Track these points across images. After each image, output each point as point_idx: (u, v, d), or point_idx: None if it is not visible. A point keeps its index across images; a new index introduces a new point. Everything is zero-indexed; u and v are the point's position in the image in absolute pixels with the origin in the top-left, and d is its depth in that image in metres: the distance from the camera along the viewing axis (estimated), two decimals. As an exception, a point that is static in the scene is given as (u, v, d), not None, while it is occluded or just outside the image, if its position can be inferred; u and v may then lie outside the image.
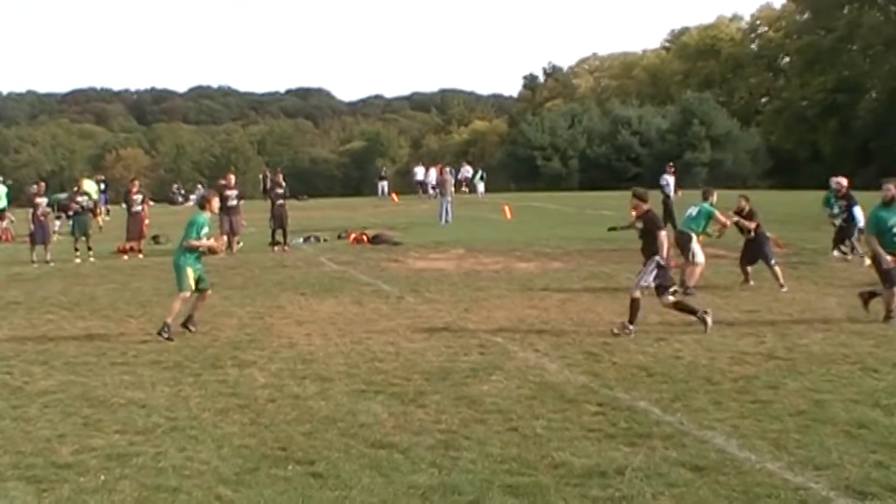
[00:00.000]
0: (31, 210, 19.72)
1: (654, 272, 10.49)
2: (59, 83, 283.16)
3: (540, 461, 6.09)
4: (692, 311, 10.63)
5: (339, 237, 23.80)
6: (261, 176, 51.46)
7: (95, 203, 25.38)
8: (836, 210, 17.90)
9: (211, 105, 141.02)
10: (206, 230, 11.05)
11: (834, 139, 59.67)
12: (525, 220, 29.30)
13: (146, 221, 21.77)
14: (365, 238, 22.48)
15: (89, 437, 6.82)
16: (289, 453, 6.34)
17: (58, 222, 25.20)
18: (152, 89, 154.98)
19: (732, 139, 62.00)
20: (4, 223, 26.88)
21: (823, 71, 62.48)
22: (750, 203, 14.72)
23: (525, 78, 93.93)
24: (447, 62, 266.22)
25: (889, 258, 11.00)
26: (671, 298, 10.62)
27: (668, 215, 22.34)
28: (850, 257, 17.18)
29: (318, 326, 11.31)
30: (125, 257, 20.34)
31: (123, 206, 22.91)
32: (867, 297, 11.53)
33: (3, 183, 29.67)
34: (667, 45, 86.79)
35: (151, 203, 30.81)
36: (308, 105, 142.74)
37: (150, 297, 14.07)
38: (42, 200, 20.05)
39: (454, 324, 11.37)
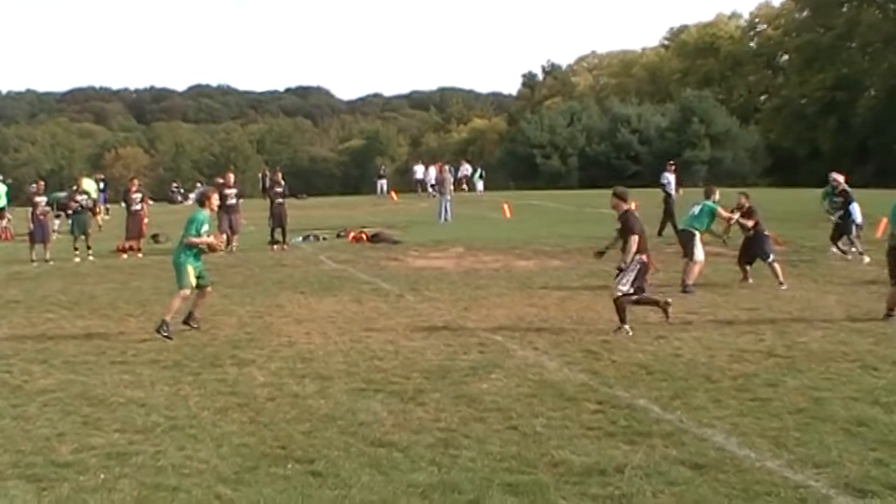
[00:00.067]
0: (30, 209, 19.72)
1: (636, 272, 10.51)
2: (58, 82, 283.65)
3: (539, 459, 6.09)
4: (622, 316, 10.48)
5: (339, 236, 23.79)
6: (260, 175, 51.46)
7: (95, 202, 25.39)
8: (832, 205, 17.97)
9: (210, 104, 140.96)
10: (206, 228, 11.05)
11: (833, 137, 59.64)
12: (524, 218, 29.28)
13: (145, 220, 21.78)
14: (364, 237, 22.47)
15: (89, 436, 6.82)
16: (288, 452, 6.34)
17: (57, 221, 25.18)
18: (151, 88, 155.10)
19: (732, 137, 61.97)
20: (4, 222, 26.87)
21: (822, 69, 62.44)
22: (749, 200, 14.74)
23: (524, 76, 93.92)
24: (446, 60, 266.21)
25: None
26: (623, 291, 10.49)
27: (669, 214, 22.33)
28: (849, 256, 17.19)
29: (318, 325, 11.31)
30: (124, 256, 20.33)
31: (123, 205, 22.90)
32: None
33: (3, 182, 29.67)
34: (666, 43, 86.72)
35: (151, 202, 30.78)
36: (307, 104, 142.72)
37: (149, 296, 14.07)
38: (41, 199, 20.05)
39: (453, 322, 11.37)
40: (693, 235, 14.03)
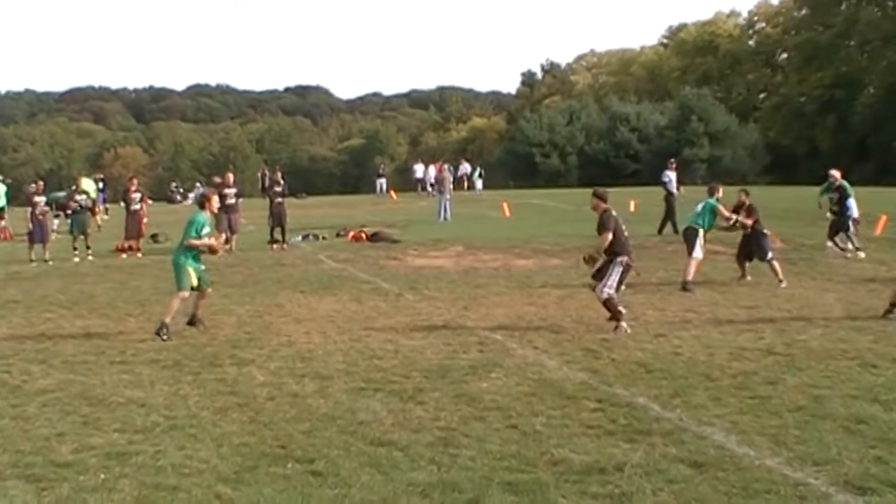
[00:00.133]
0: (29, 209, 19.71)
1: (619, 273, 10.55)
2: (57, 82, 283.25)
3: (539, 458, 6.09)
4: (616, 315, 10.50)
5: (338, 235, 23.78)
6: (259, 174, 51.46)
7: (94, 202, 25.36)
8: (830, 201, 18.11)
9: (209, 103, 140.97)
10: (206, 230, 11.04)
11: (832, 135, 59.66)
12: (524, 217, 29.28)
13: (145, 220, 21.78)
14: (364, 236, 22.46)
15: (88, 436, 6.81)
16: (288, 451, 6.34)
17: (56, 221, 25.16)
18: (150, 88, 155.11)
19: (731, 135, 61.96)
20: (3, 222, 26.86)
21: (821, 67, 62.46)
22: (750, 198, 14.73)
23: (523, 75, 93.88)
24: (445, 59, 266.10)
25: None
26: (609, 293, 10.54)
27: (670, 213, 22.31)
28: (847, 254, 17.20)
29: (317, 324, 11.31)
30: (124, 256, 20.33)
31: (122, 204, 22.91)
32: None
33: (3, 182, 29.67)
34: (665, 41, 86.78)
35: (150, 202, 30.78)
36: (306, 103, 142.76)
37: (148, 295, 14.06)
38: (40, 199, 20.04)
39: (453, 321, 11.37)
40: (696, 232, 14.07)
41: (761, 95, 75.25)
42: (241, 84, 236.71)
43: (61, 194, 27.09)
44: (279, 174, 23.68)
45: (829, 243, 17.90)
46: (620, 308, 10.55)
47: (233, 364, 9.15)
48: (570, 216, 29.11)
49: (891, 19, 60.68)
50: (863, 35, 62.11)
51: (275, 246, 20.95)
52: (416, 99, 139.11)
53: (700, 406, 7.26)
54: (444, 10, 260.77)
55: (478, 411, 7.24)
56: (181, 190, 53.54)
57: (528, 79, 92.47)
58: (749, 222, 14.35)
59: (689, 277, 13.70)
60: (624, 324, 10.43)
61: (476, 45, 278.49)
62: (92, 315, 12.49)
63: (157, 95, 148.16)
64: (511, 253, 18.95)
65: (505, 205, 31.44)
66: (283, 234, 21.22)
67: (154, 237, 23.26)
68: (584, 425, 6.80)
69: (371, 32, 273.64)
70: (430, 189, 43.40)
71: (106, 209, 33.67)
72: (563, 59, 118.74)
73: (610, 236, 10.51)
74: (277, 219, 21.16)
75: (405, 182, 55.77)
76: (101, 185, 34.66)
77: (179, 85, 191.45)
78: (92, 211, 23.08)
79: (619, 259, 10.55)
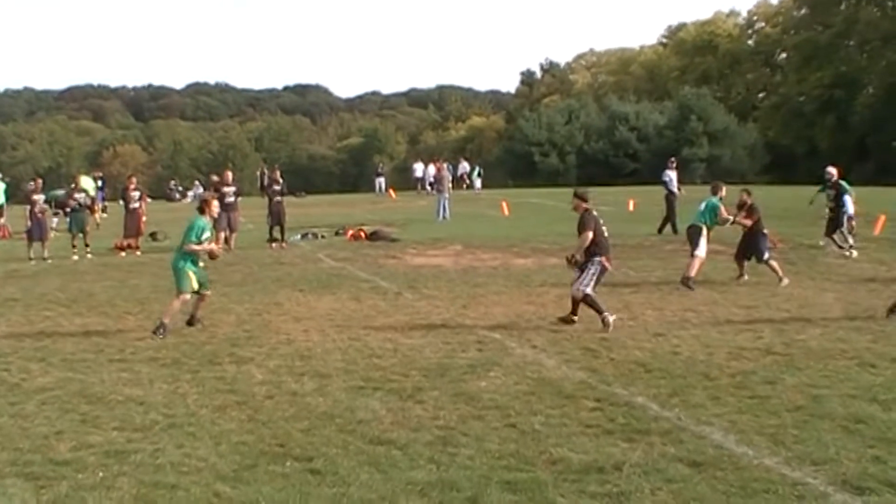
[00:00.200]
0: (28, 207, 19.71)
1: (595, 273, 10.62)
2: (56, 80, 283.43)
3: (538, 457, 6.09)
4: (598, 311, 10.57)
5: (337, 234, 23.79)
6: (258, 173, 51.53)
7: (93, 200, 25.40)
8: (827, 197, 18.26)
9: (208, 102, 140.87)
10: (206, 234, 11.05)
11: (831, 135, 59.69)
12: (522, 216, 29.29)
13: (143, 218, 21.76)
14: (363, 235, 22.47)
15: (87, 434, 6.81)
16: (287, 450, 6.34)
17: (55, 219, 25.17)
18: (150, 86, 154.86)
19: (730, 135, 62.00)
20: (2, 220, 26.85)
21: (821, 66, 62.49)
22: (752, 197, 14.73)
23: (522, 74, 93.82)
24: (444, 58, 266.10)
25: None
26: (585, 291, 10.60)
27: (671, 212, 22.30)
28: (847, 253, 17.21)
29: (316, 323, 11.31)
30: (122, 254, 20.33)
31: (121, 202, 22.91)
32: None
33: (2, 180, 29.64)
34: (664, 40, 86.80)
35: (149, 200, 30.73)
36: (306, 102, 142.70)
37: (147, 293, 14.06)
38: (39, 197, 20.03)
39: (452, 320, 11.37)
40: (700, 230, 14.12)
41: (760, 95, 75.30)
42: (240, 83, 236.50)
43: (60, 192, 27.15)
44: (278, 173, 23.68)
45: (825, 240, 18.01)
46: (600, 302, 10.62)
47: (232, 362, 9.15)
48: (569, 215, 28.95)
49: (890, 19, 60.70)
50: (862, 35, 62.13)
51: (274, 244, 20.95)
52: (415, 98, 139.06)
53: (699, 405, 7.26)
54: (443, 9, 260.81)
55: (476, 410, 7.24)
56: (180, 188, 53.60)
57: (527, 78, 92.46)
58: (748, 223, 14.36)
59: (692, 274, 13.73)
60: (607, 314, 10.48)
61: (475, 44, 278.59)
62: (91, 313, 12.49)
63: (157, 94, 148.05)
64: (510, 252, 18.96)
65: (504, 204, 31.46)
66: (282, 232, 21.22)
67: (153, 235, 23.25)
68: (583, 424, 6.80)
69: (370, 31, 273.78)
70: (429, 188, 43.41)
71: (105, 207, 33.65)
72: (563, 58, 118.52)
73: (590, 235, 10.64)
74: (276, 217, 21.16)
75: (404, 181, 55.78)
76: (100, 183, 34.65)
77: (178, 83, 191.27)
78: (91, 209, 23.12)
79: (596, 259, 10.69)
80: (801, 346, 9.41)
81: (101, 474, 5.90)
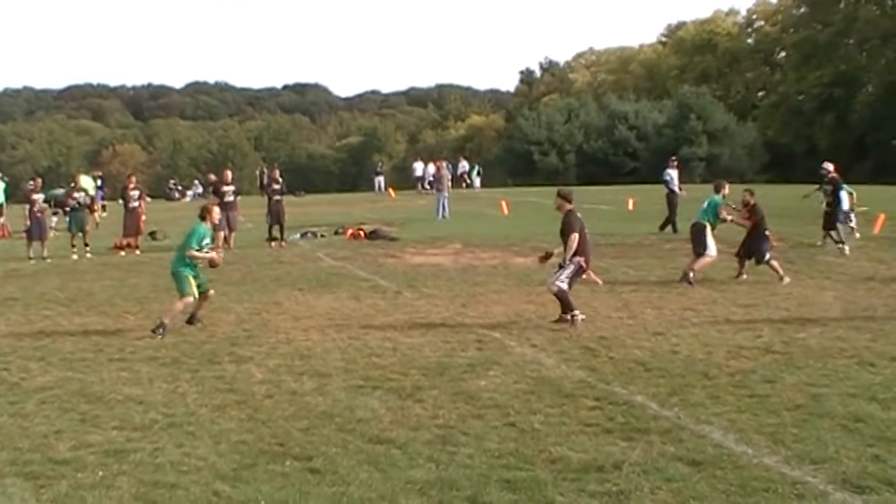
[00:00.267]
0: (27, 206, 19.70)
1: (573, 272, 10.69)
2: (55, 79, 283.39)
3: (537, 456, 6.09)
4: (569, 308, 10.61)
5: (336, 233, 23.79)
6: (258, 172, 51.52)
7: (92, 199, 25.34)
8: (823, 193, 18.44)
9: (208, 101, 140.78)
10: (206, 241, 11.06)
11: (830, 133, 59.70)
12: (522, 215, 29.28)
13: (143, 217, 21.75)
14: (362, 234, 22.47)
15: (87, 434, 6.81)
16: (286, 449, 6.34)
17: (55, 218, 25.14)
18: (149, 85, 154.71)
19: (729, 134, 62.00)
20: (1, 219, 26.84)
21: (820, 65, 62.50)
22: (755, 197, 14.73)
23: (522, 73, 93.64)
24: (444, 57, 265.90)
25: None
26: (560, 287, 10.64)
27: (671, 212, 22.29)
28: (847, 251, 17.21)
29: (316, 322, 11.31)
30: (122, 253, 20.32)
31: (120, 202, 22.90)
32: None
33: (1, 179, 29.63)
34: (663, 39, 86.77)
35: (148, 199, 30.70)
36: (305, 101, 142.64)
37: (147, 293, 14.06)
38: (39, 196, 20.02)
39: (451, 319, 11.37)
40: (704, 228, 14.16)
41: (760, 94, 75.33)
42: (239, 82, 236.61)
43: (60, 192, 27.10)
44: (277, 172, 23.70)
45: (824, 239, 18.10)
46: (572, 299, 10.67)
47: (231, 362, 9.15)
48: (569, 214, 29.09)
49: (889, 18, 60.70)
50: (861, 33, 62.13)
51: (273, 244, 20.95)
52: (414, 97, 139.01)
53: (698, 404, 7.26)
54: (442, 8, 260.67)
55: (476, 409, 7.24)
56: (179, 187, 53.61)
57: (526, 77, 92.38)
58: (746, 223, 14.39)
59: (697, 267, 13.79)
60: (578, 314, 10.55)
61: (475, 43, 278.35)
62: (90, 312, 12.49)
63: (156, 93, 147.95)
64: (509, 251, 18.95)
65: (503, 203, 31.46)
66: (281, 231, 21.22)
67: (152, 234, 23.25)
68: (583, 423, 6.80)
69: (369, 30, 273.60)
70: (428, 187, 43.40)
71: (104, 206, 33.63)
72: (562, 57, 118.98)
73: (577, 237, 10.69)
74: (276, 216, 21.17)
75: (404, 180, 55.80)
76: (99, 182, 34.66)
77: (178, 82, 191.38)
78: (90, 208, 23.08)
79: (575, 259, 10.76)
80: (800, 345, 9.41)
81: (100, 473, 5.90)
